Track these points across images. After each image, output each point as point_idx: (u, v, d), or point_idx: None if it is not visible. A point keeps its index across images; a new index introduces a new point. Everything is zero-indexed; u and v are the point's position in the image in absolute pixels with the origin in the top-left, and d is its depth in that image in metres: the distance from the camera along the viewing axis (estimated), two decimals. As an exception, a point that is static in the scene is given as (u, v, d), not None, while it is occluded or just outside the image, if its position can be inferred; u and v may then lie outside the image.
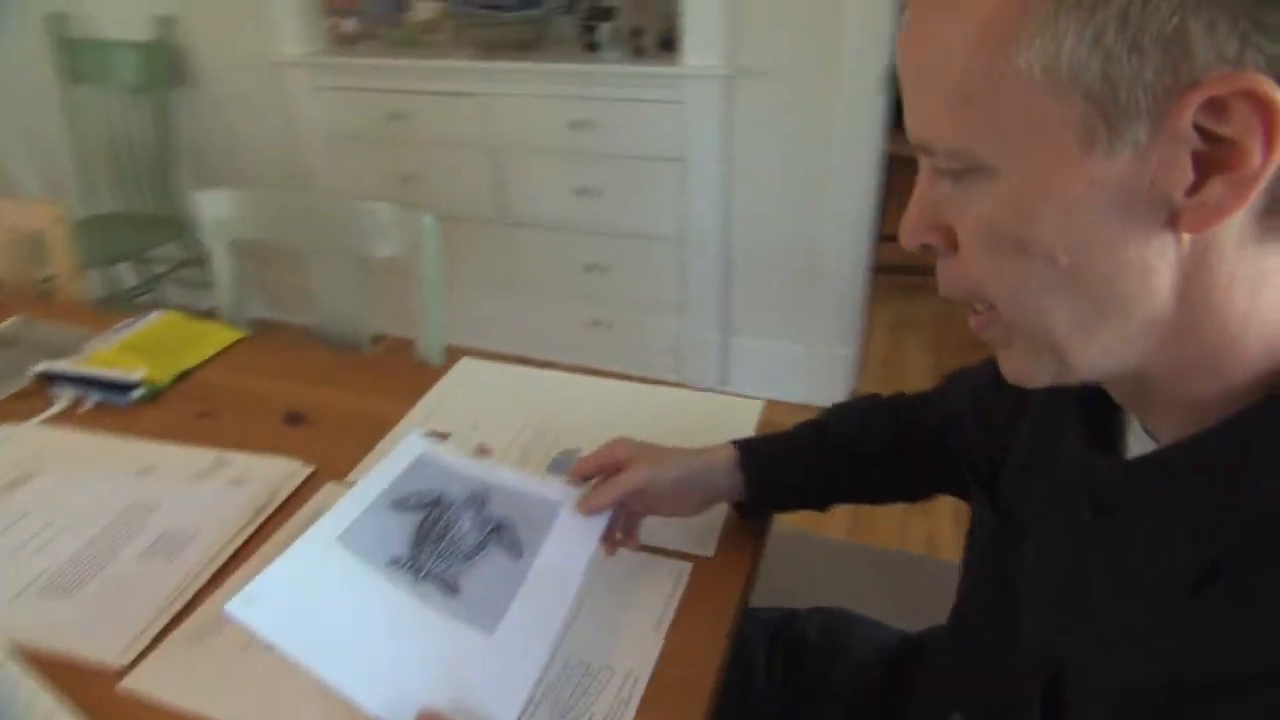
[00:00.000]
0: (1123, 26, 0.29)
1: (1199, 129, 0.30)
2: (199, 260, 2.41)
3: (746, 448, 0.70)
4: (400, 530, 0.64)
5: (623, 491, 0.66)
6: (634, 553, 0.70)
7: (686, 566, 0.70)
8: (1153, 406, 0.39)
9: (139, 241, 2.31)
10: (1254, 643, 0.32)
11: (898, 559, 1.60)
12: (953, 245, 0.38)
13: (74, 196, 2.42)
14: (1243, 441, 0.34)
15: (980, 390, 0.62)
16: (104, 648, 0.64)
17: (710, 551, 0.72)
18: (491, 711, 0.55)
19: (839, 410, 0.74)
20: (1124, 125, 0.30)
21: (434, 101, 2.05)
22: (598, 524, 0.66)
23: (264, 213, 1.12)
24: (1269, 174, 0.29)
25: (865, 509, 1.72)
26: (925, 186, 0.38)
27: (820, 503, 0.73)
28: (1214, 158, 0.30)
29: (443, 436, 0.87)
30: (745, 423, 0.87)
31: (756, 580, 0.72)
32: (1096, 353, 0.36)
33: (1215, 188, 0.30)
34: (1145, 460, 0.38)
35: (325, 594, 0.57)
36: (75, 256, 1.24)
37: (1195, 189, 0.30)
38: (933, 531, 1.68)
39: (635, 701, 0.59)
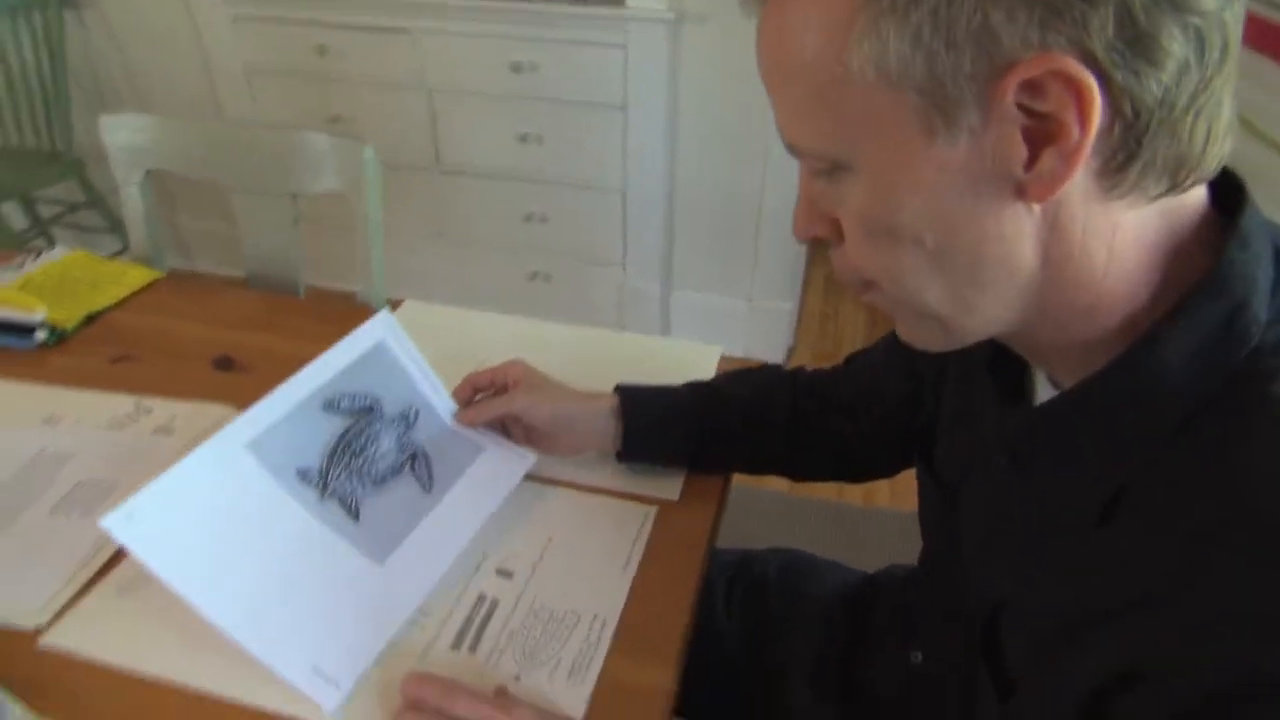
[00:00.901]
0: (935, 26, 0.31)
1: (1023, 109, 0.32)
2: (96, 202, 2.23)
3: (629, 396, 0.70)
4: (320, 436, 0.62)
5: (499, 412, 0.69)
6: (598, 498, 0.69)
7: (652, 510, 0.69)
8: (1047, 357, 0.42)
9: (25, 179, 2.11)
10: (1152, 567, 0.34)
11: (838, 510, 1.64)
12: (840, 235, 0.40)
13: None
14: (1125, 382, 0.36)
15: (910, 360, 0.64)
16: (17, 609, 0.59)
17: (675, 496, 0.70)
18: (360, 641, 0.55)
19: (734, 375, 0.74)
20: (956, 114, 0.33)
21: (365, 37, 1.93)
22: (510, 478, 0.67)
23: (184, 142, 1.02)
24: (1090, 142, 0.31)
25: (805, 461, 1.75)
26: (806, 183, 0.40)
27: (695, 463, 0.72)
28: (1041, 132, 0.32)
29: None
30: (702, 371, 0.85)
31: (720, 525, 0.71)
32: (978, 320, 0.39)
33: (1048, 160, 0.32)
34: (1044, 407, 0.41)
35: (217, 510, 0.54)
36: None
37: (1031, 163, 0.33)
38: (870, 485, 1.72)
39: (605, 644, 0.57)
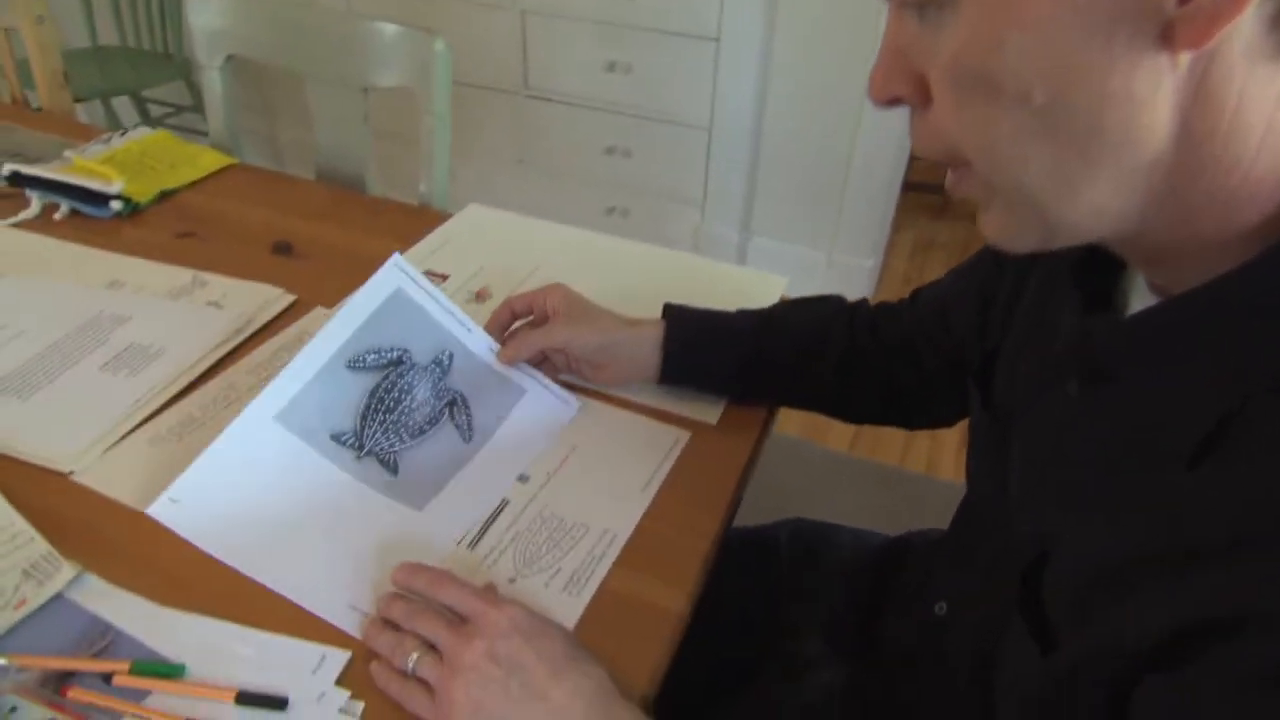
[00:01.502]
0: None
1: None
2: (201, 106, 2.31)
3: (676, 317, 0.66)
4: (349, 396, 0.60)
5: (539, 346, 0.65)
6: (629, 414, 0.66)
7: (685, 434, 0.65)
8: (1157, 257, 0.35)
9: (138, 77, 2.20)
10: (1246, 510, 0.29)
11: (896, 476, 1.57)
12: (925, 98, 0.34)
13: (71, 25, 2.29)
14: (1258, 289, 0.30)
15: (984, 283, 0.57)
16: (54, 452, 0.60)
17: (714, 420, 0.66)
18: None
19: (790, 305, 0.69)
20: None
21: (460, -52, 1.90)
22: (553, 425, 0.63)
23: (260, 25, 1.02)
24: None
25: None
26: (893, 29, 0.34)
27: (739, 394, 0.68)
28: None
29: (440, 278, 0.82)
30: (764, 302, 0.80)
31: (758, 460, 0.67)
32: (1085, 209, 0.32)
33: None
34: (1144, 317, 0.34)
35: (256, 484, 0.55)
36: (57, 65, 1.15)
37: None
38: (934, 453, 1.65)
39: (609, 560, 0.54)
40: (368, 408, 0.59)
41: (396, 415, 0.60)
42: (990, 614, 0.44)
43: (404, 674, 0.46)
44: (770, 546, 0.73)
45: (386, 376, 0.61)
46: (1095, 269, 0.39)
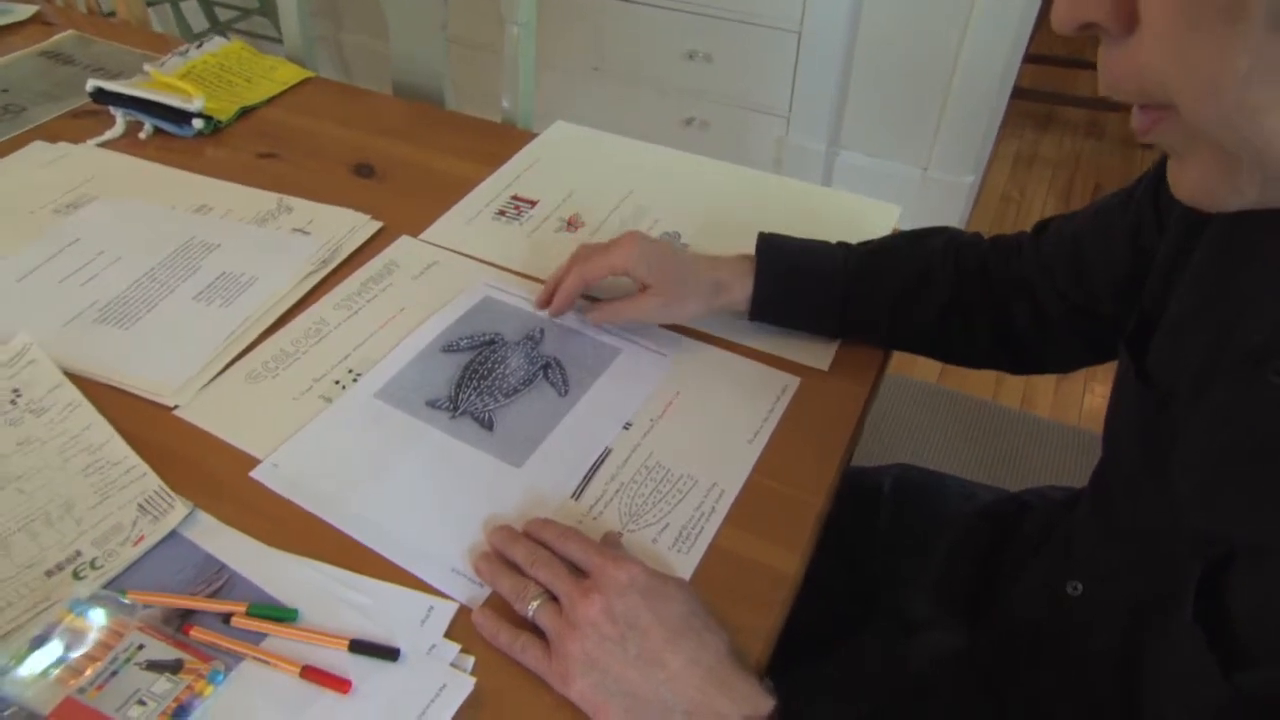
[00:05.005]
0: None
1: None
2: (269, 11, 2.26)
3: (767, 264, 0.61)
4: (445, 373, 0.61)
5: (634, 320, 0.63)
6: (735, 358, 0.62)
7: (794, 380, 0.61)
8: None
9: (208, -21, 2.15)
10: None
11: (989, 411, 1.50)
12: (1127, 24, 0.27)
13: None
14: None
15: (1138, 230, 0.50)
16: (159, 384, 0.60)
17: (825, 365, 0.62)
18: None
19: (895, 242, 0.63)
20: None
21: None
22: (649, 380, 0.61)
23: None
24: None
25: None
26: None
27: (837, 336, 0.64)
28: None
29: (529, 204, 0.78)
30: (875, 232, 0.74)
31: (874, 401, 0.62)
32: None
33: None
34: None
35: (353, 448, 0.56)
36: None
37: None
38: (1029, 387, 1.56)
39: (719, 516, 0.52)
40: (462, 378, 0.61)
41: (490, 381, 0.60)
42: (1140, 609, 0.39)
43: (516, 624, 0.45)
44: (873, 493, 0.70)
45: (480, 353, 0.63)
46: None
